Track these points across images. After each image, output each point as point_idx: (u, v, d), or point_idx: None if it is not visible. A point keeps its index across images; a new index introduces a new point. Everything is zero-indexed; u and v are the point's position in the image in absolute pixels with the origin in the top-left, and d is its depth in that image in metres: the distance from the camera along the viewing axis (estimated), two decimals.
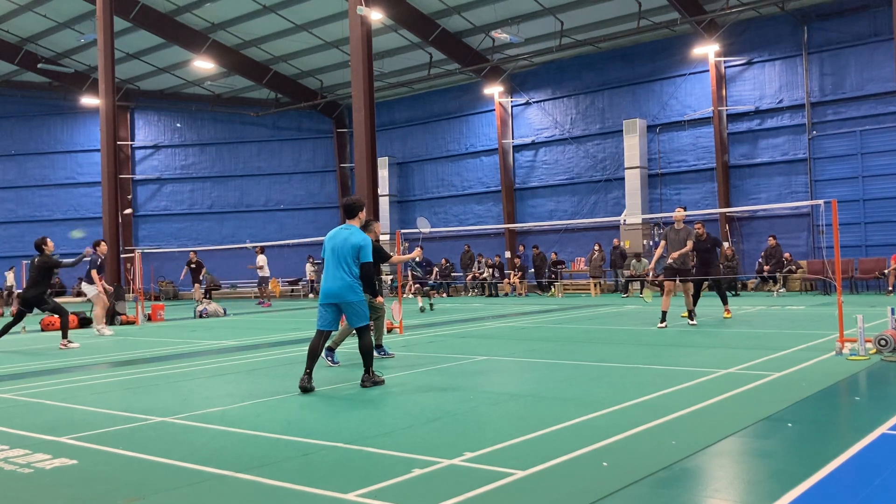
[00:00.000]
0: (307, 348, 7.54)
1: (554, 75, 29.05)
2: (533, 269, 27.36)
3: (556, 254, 27.65)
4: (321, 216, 34.53)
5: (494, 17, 26.23)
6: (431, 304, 20.42)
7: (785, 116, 24.29)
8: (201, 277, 26.25)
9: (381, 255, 9.52)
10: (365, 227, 9.34)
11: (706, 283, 14.42)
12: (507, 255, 29.12)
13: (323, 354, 9.21)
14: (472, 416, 6.07)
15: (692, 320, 12.95)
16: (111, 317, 18.92)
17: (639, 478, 4.20)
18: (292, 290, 33.03)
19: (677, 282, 12.88)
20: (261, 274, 26.12)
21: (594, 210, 27.93)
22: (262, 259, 25.75)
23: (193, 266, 26.10)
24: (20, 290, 13.53)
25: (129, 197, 34.87)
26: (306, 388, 7.27)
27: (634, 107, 27.12)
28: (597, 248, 25.60)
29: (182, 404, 6.97)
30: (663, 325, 12.58)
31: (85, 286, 15.23)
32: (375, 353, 9.21)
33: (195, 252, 26.52)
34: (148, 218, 35.48)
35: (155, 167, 35.64)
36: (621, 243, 25.27)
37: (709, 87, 25.24)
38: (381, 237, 18.39)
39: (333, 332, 8.34)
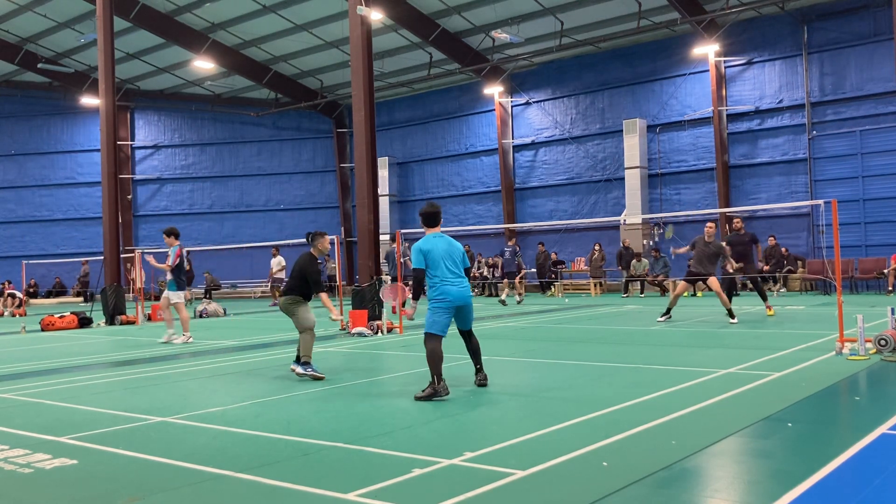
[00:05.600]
0: (429, 358, 7.00)
1: (554, 75, 29.04)
2: (535, 269, 27.18)
3: (556, 254, 27.64)
4: (321, 216, 34.50)
5: (494, 17, 26.22)
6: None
7: (785, 116, 24.28)
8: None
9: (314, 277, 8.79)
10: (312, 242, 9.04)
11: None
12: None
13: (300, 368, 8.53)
14: (472, 416, 6.07)
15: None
16: (111, 317, 18.93)
17: (639, 478, 4.20)
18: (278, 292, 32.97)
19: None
20: (277, 275, 26.09)
21: (594, 210, 27.93)
22: (280, 260, 25.69)
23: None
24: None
25: (130, 197, 34.87)
26: (445, 394, 6.92)
27: (634, 107, 27.12)
28: (597, 247, 25.59)
29: (182, 404, 6.97)
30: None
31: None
32: (300, 370, 8.38)
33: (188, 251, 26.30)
34: (148, 218, 35.46)
35: (155, 167, 35.62)
36: (630, 243, 25.13)
37: (709, 87, 25.24)
38: (381, 237, 18.47)
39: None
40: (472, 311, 7.48)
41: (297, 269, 8.95)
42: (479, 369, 7.53)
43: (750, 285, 23.99)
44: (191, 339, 13.10)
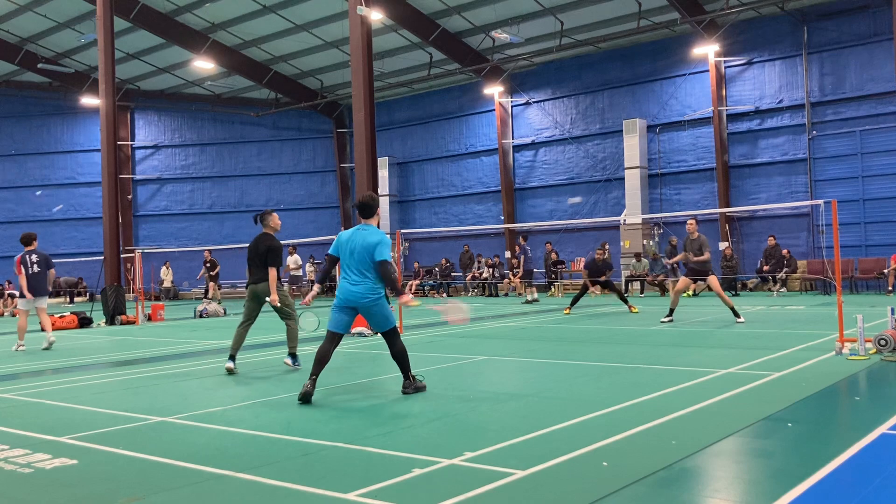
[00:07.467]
0: (315, 353, 7.10)
1: (554, 75, 29.04)
2: (545, 269, 27.03)
3: (556, 254, 27.62)
4: (321, 216, 34.52)
5: (494, 17, 26.22)
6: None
7: (785, 116, 24.29)
8: (214, 274, 26.33)
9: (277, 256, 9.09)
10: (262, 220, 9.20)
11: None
12: (507, 254, 29.09)
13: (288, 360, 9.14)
14: (472, 416, 6.07)
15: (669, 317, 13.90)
16: (111, 317, 18.92)
17: (639, 478, 4.20)
18: (292, 290, 33.01)
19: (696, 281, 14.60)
20: (293, 274, 26.21)
21: (594, 210, 27.93)
22: (296, 259, 25.89)
23: (208, 265, 26.20)
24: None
25: (130, 197, 34.88)
26: (308, 395, 6.74)
27: (634, 107, 27.12)
28: (606, 247, 25.37)
29: (182, 404, 6.97)
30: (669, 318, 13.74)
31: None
32: (288, 361, 9.09)
33: (209, 251, 26.50)
34: (148, 218, 35.47)
35: (155, 167, 35.64)
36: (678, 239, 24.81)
37: (709, 87, 25.24)
38: None
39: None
40: (373, 313, 6.95)
41: (268, 249, 8.97)
42: (403, 377, 7.06)
43: (750, 286, 24.15)
44: (22, 347, 12.61)
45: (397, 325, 7.18)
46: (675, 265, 21.73)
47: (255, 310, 9.27)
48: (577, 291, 18.03)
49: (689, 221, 13.96)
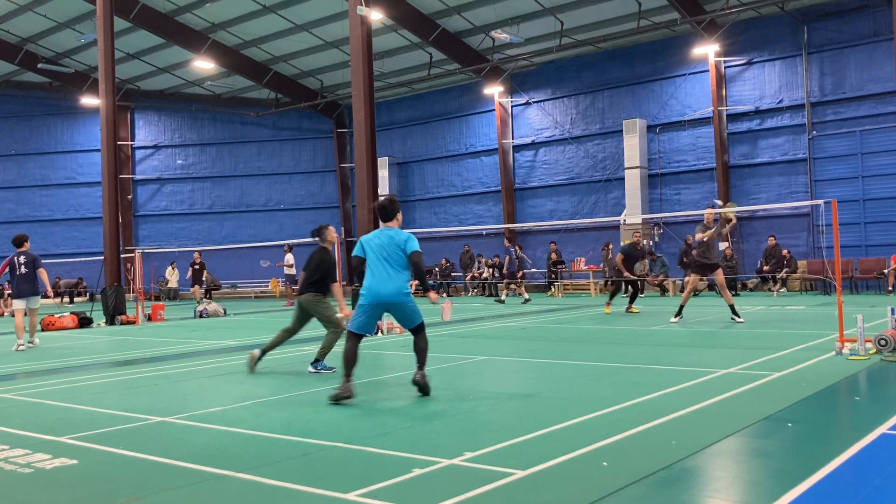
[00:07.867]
0: (343, 355, 6.89)
1: (554, 75, 29.05)
2: (546, 269, 26.98)
3: (557, 253, 27.62)
4: (321, 216, 34.44)
5: (494, 17, 26.22)
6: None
7: (785, 116, 24.29)
8: (203, 279, 26.37)
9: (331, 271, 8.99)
10: (319, 234, 9.16)
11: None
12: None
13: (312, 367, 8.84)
14: (472, 416, 6.07)
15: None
16: (111, 317, 18.91)
17: (639, 478, 4.20)
18: (293, 290, 33.00)
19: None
20: (288, 272, 26.36)
21: (594, 210, 27.93)
22: (289, 258, 26.02)
23: (197, 267, 26.19)
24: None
25: (130, 197, 34.88)
26: (348, 395, 6.61)
27: (634, 107, 27.12)
28: (610, 247, 25.43)
29: (182, 404, 6.97)
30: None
31: None
32: (312, 369, 8.79)
33: (199, 253, 26.54)
34: (148, 218, 35.47)
35: (155, 167, 35.64)
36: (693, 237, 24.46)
37: (709, 87, 25.24)
38: None
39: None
40: (406, 309, 6.93)
41: (317, 263, 8.95)
42: (418, 367, 6.96)
43: (750, 286, 24.15)
44: (21, 347, 12.72)
45: (423, 320, 7.11)
46: (684, 261, 21.71)
47: (300, 319, 9.13)
48: (611, 289, 18.02)
49: (708, 210, 13.81)
